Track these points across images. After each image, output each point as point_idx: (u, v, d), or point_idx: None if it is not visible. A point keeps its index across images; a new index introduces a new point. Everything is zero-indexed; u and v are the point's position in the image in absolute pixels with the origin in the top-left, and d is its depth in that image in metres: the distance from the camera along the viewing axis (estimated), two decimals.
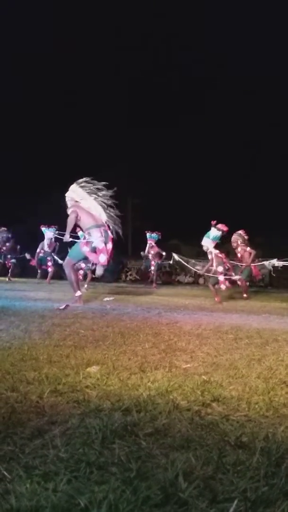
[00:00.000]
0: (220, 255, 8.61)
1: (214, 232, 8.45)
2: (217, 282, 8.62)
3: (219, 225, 8.47)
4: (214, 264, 8.48)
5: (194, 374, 2.13)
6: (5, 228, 13.83)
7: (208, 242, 8.49)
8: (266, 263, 11.07)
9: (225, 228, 8.49)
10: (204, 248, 8.54)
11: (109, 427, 1.38)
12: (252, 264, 10.46)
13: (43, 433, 1.35)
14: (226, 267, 8.67)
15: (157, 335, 3.36)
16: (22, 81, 27.51)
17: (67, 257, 6.54)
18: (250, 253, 10.38)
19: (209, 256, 8.62)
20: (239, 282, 9.79)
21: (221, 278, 8.48)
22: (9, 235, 13.81)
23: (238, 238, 10.40)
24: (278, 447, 1.28)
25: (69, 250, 6.81)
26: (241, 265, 10.42)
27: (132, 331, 3.50)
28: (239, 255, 10.39)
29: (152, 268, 13.94)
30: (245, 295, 9.94)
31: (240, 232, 10.48)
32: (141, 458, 1.20)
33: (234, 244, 10.43)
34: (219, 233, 8.47)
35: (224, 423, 1.48)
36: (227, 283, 8.59)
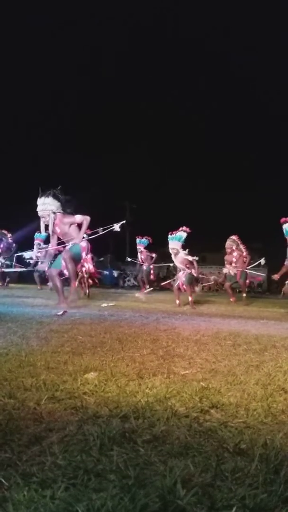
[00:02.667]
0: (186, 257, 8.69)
1: (183, 234, 8.65)
2: (192, 281, 8.70)
3: (185, 228, 8.69)
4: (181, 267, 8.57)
5: (193, 381, 2.13)
6: (5, 231, 13.63)
7: (178, 245, 8.57)
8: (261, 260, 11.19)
9: (188, 230, 8.73)
10: (174, 251, 8.61)
11: (107, 434, 1.37)
12: (247, 269, 10.55)
13: (41, 440, 1.34)
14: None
15: (155, 341, 3.35)
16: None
17: (70, 252, 6.49)
18: (245, 258, 10.48)
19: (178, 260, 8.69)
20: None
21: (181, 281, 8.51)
22: (9, 239, 13.58)
23: (232, 243, 10.49)
24: (276, 453, 1.27)
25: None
26: (236, 272, 10.49)
27: (130, 337, 3.49)
28: (234, 259, 10.46)
29: (145, 272, 13.98)
30: (244, 294, 10.08)
31: (233, 237, 10.57)
32: (139, 465, 1.19)
33: (228, 250, 10.52)
34: (185, 235, 8.66)
35: (223, 430, 1.48)
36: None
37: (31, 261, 12.16)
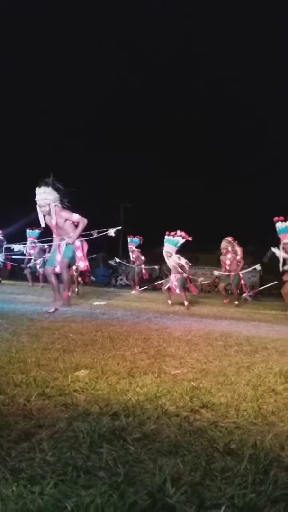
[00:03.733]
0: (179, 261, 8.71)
1: (180, 240, 8.63)
2: (185, 283, 8.71)
3: (183, 233, 8.68)
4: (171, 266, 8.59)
5: (183, 380, 2.13)
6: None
7: (172, 249, 8.58)
8: (257, 266, 11.22)
9: (187, 237, 8.72)
10: (168, 254, 8.61)
11: (97, 431, 1.37)
12: (240, 273, 10.57)
13: (30, 436, 1.33)
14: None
15: (147, 341, 3.35)
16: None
17: (65, 259, 6.43)
18: (239, 262, 10.49)
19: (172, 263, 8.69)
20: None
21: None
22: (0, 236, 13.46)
23: (227, 245, 10.51)
24: (266, 454, 1.27)
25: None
26: (229, 274, 10.52)
27: (121, 336, 3.49)
28: (228, 261, 10.48)
29: (136, 271, 13.99)
30: (236, 302, 10.04)
31: (229, 238, 10.59)
32: (129, 462, 1.19)
33: (223, 251, 10.54)
34: (182, 241, 8.66)
35: (213, 430, 1.48)
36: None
37: (22, 257, 11.99)
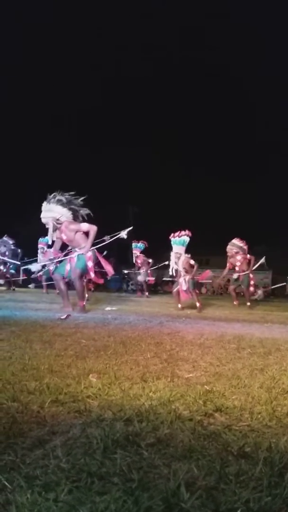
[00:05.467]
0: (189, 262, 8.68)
1: (186, 239, 8.62)
2: (196, 286, 8.69)
3: (187, 232, 8.68)
4: (182, 267, 8.54)
5: (196, 384, 2.12)
6: (7, 238, 13.57)
7: (181, 249, 8.55)
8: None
9: (190, 234, 8.72)
10: (177, 256, 8.59)
11: (110, 437, 1.37)
12: (250, 272, 10.49)
13: (44, 443, 1.34)
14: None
15: (159, 345, 3.34)
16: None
17: (77, 270, 6.37)
18: (250, 260, 10.42)
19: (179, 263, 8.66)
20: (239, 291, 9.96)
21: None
22: (11, 244, 13.52)
23: (232, 247, 10.45)
24: (281, 457, 1.26)
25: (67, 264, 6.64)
26: (239, 275, 10.45)
27: (133, 340, 3.49)
28: (238, 263, 10.40)
29: (142, 277, 13.93)
30: (248, 303, 9.99)
31: (234, 241, 10.52)
32: (143, 468, 1.19)
33: (229, 254, 10.48)
34: (188, 239, 8.66)
35: (227, 433, 1.47)
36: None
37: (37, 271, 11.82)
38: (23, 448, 1.30)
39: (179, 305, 8.46)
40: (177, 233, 8.67)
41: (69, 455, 1.25)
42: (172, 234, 8.69)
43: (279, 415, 1.69)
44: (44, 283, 12.80)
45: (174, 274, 8.86)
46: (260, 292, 11.57)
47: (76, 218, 6.51)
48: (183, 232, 8.66)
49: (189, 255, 8.69)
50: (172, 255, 8.72)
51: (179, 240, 8.61)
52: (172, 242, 8.66)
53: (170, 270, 8.91)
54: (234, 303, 10.34)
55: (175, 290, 8.80)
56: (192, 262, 8.60)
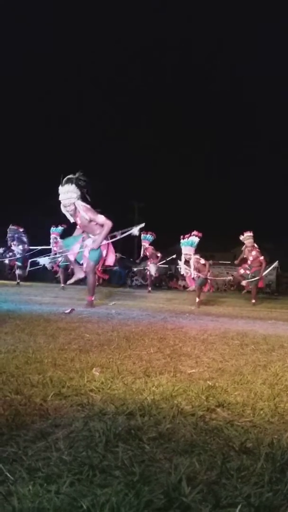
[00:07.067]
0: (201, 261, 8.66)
1: (195, 239, 8.57)
2: (204, 284, 8.67)
3: (196, 232, 8.63)
4: (193, 268, 8.51)
5: (199, 379, 2.12)
6: (15, 227, 13.42)
7: (191, 250, 8.52)
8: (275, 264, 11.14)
9: (200, 234, 8.67)
10: (187, 257, 8.55)
11: (112, 431, 1.37)
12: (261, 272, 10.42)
13: (47, 435, 1.34)
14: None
15: (162, 340, 3.35)
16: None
17: (91, 263, 6.35)
18: (261, 263, 10.26)
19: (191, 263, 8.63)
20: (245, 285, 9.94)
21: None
22: (22, 234, 13.38)
23: (250, 240, 10.26)
24: (282, 453, 1.26)
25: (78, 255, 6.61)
26: (248, 272, 10.39)
27: (137, 335, 3.49)
28: (251, 258, 10.29)
29: (149, 270, 13.86)
30: (253, 301, 9.97)
31: (248, 233, 10.37)
32: (145, 462, 1.19)
33: (249, 247, 10.27)
34: (197, 240, 8.61)
35: (229, 429, 1.47)
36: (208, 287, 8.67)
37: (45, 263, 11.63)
38: (26, 440, 1.30)
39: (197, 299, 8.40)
40: (187, 235, 8.63)
41: (71, 448, 1.26)
42: (182, 236, 8.64)
43: (282, 411, 1.69)
44: (61, 276, 12.38)
45: (185, 274, 8.81)
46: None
47: (84, 198, 6.41)
48: (191, 233, 8.61)
49: (198, 255, 8.66)
50: (182, 257, 8.68)
51: (188, 241, 8.55)
52: (181, 244, 8.62)
53: (181, 269, 8.89)
54: (253, 301, 10.13)
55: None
56: (202, 261, 8.58)
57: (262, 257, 10.33)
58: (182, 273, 9.15)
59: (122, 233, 6.87)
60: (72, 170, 6.32)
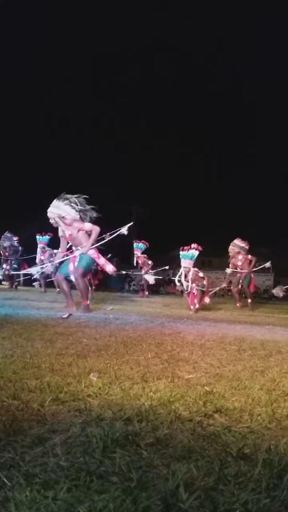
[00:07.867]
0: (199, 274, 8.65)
1: (195, 253, 8.56)
2: (203, 293, 8.64)
3: (196, 245, 8.61)
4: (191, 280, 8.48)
5: (197, 385, 2.12)
6: (9, 235, 13.48)
7: (190, 264, 8.51)
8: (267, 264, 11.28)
9: (200, 248, 8.65)
10: (186, 270, 8.53)
11: (110, 436, 1.37)
12: (252, 272, 10.51)
13: (44, 441, 1.34)
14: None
15: (160, 345, 3.35)
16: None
17: (79, 268, 6.36)
18: (251, 261, 10.47)
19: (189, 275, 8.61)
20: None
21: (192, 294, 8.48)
22: (15, 241, 13.42)
23: (234, 248, 10.50)
24: (280, 459, 1.26)
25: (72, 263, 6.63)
26: (240, 274, 10.47)
27: (134, 340, 3.49)
28: (239, 263, 10.44)
29: (143, 278, 13.92)
30: (249, 300, 10.04)
31: (235, 241, 10.56)
32: (142, 468, 1.19)
33: (231, 254, 10.53)
34: (197, 253, 8.60)
35: (226, 434, 1.47)
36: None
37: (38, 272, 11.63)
38: (23, 446, 1.30)
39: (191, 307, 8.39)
40: (186, 247, 8.62)
41: (69, 453, 1.25)
42: (182, 248, 8.63)
43: (279, 417, 1.69)
44: (42, 282, 12.57)
45: (184, 288, 8.78)
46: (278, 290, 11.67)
47: (83, 220, 6.52)
48: (192, 246, 8.58)
49: (197, 269, 8.64)
50: (181, 270, 8.66)
51: (188, 254, 8.52)
52: (181, 256, 8.60)
53: (177, 282, 8.89)
54: (237, 305, 10.34)
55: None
56: (201, 274, 8.56)
57: (249, 256, 10.46)
58: (179, 290, 9.13)
59: (111, 235, 6.90)
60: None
